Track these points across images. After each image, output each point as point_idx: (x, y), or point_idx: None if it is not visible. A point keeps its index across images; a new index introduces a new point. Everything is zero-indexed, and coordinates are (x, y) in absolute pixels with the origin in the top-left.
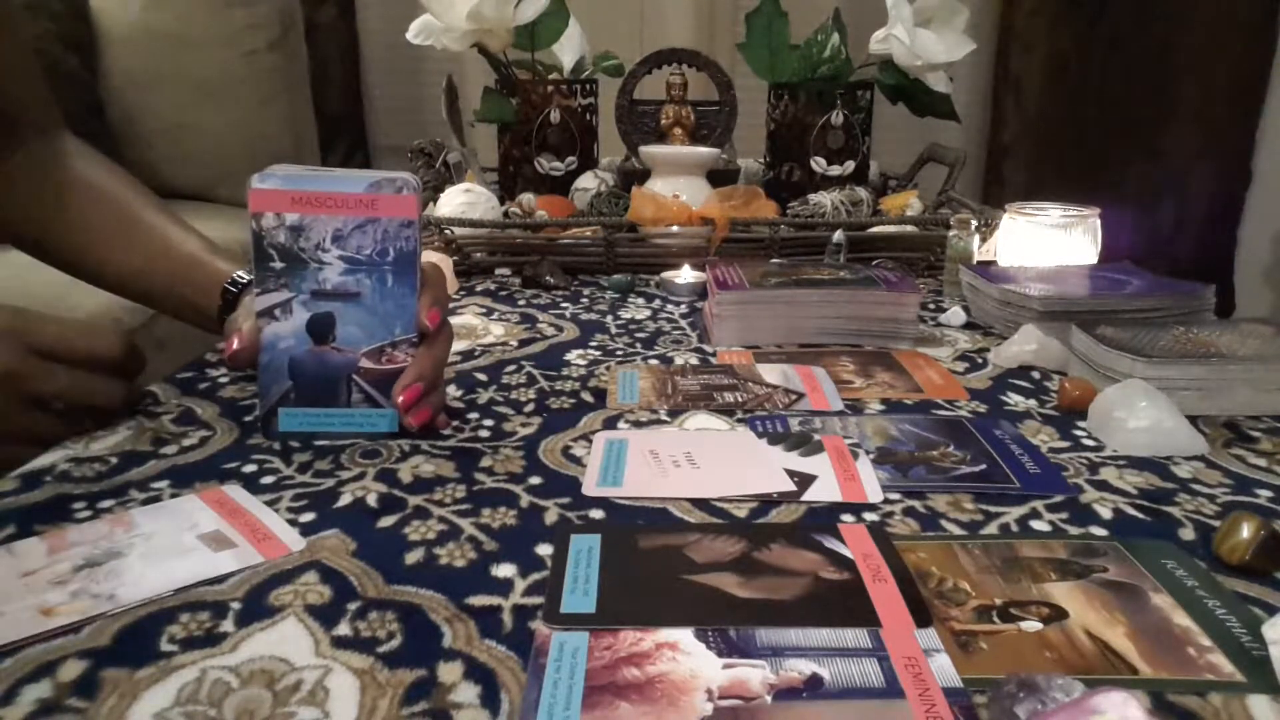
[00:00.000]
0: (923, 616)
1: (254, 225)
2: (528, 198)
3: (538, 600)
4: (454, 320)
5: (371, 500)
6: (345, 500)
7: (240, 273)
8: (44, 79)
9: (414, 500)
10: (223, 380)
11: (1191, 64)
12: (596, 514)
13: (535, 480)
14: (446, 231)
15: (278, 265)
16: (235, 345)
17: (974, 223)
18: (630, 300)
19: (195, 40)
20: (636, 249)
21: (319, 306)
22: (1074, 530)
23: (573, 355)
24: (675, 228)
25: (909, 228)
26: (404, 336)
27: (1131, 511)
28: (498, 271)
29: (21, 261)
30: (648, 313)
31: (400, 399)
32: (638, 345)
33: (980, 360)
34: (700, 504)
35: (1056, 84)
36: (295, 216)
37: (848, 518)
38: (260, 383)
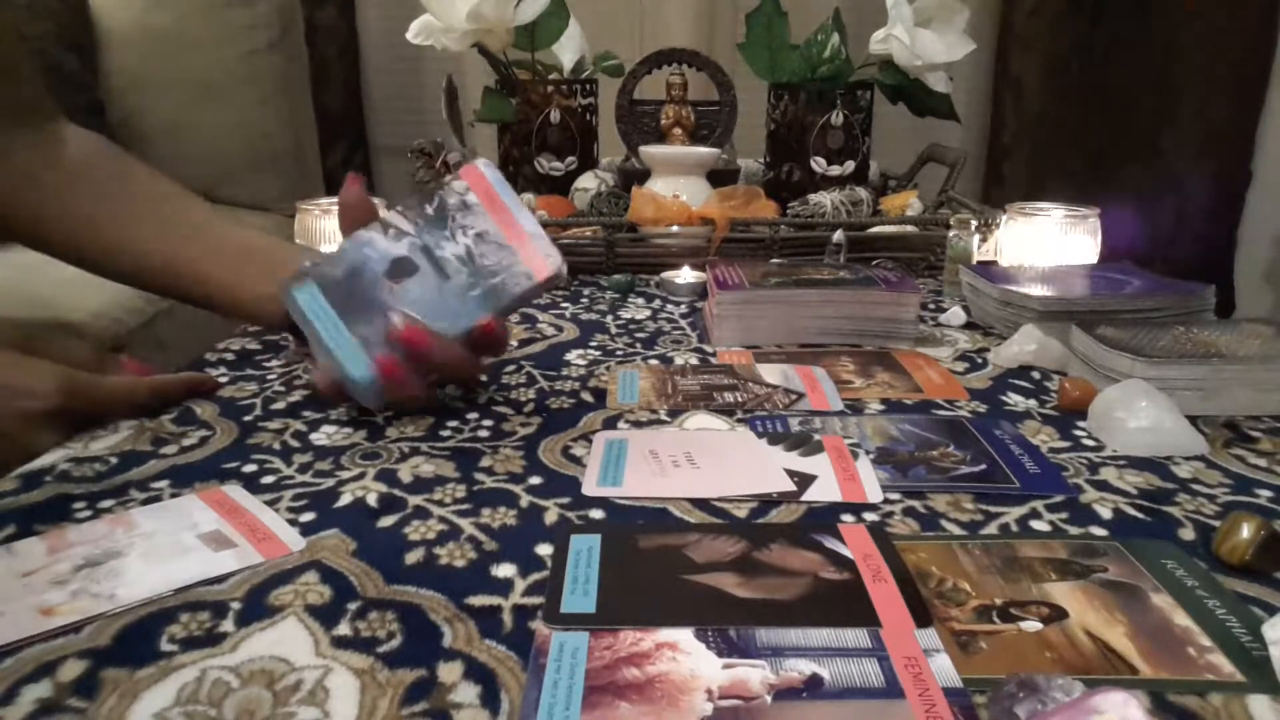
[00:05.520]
0: (923, 616)
1: (447, 180)
2: (528, 198)
3: (538, 600)
4: None
5: (371, 500)
6: (345, 500)
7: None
8: (36, 69)
9: (414, 500)
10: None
11: (1191, 64)
12: (596, 514)
13: (535, 480)
14: None
15: (429, 211)
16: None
17: (974, 223)
18: (630, 300)
19: (195, 40)
20: (636, 249)
21: (416, 255)
22: (1074, 530)
23: (573, 355)
24: (675, 228)
25: (909, 228)
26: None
27: (1131, 511)
28: None
29: (21, 262)
30: (648, 313)
31: (399, 337)
32: (638, 345)
33: (980, 360)
34: (700, 504)
35: (1056, 84)
36: (474, 198)
37: (848, 518)
38: (329, 254)
